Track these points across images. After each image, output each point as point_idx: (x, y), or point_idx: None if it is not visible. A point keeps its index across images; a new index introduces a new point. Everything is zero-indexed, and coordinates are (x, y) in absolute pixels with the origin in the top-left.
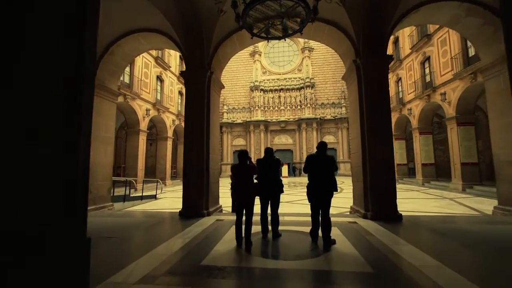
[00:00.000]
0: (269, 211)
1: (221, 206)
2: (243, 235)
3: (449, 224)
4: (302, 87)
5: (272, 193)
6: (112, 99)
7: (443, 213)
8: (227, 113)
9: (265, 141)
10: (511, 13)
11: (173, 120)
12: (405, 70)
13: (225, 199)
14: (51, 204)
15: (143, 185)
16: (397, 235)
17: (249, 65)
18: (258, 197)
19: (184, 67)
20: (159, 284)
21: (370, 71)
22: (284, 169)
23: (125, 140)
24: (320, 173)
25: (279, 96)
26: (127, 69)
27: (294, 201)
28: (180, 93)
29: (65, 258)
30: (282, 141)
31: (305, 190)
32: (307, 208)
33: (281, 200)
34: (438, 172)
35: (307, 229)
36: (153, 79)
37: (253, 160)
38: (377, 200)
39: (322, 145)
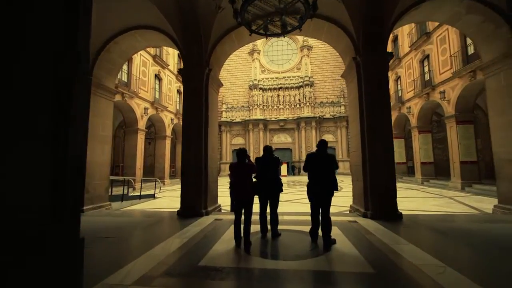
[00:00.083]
0: (268, 210)
1: (220, 206)
2: (242, 234)
3: (449, 223)
4: (301, 86)
5: (271, 192)
6: (109, 97)
7: (443, 211)
8: (226, 112)
9: (264, 140)
10: None
11: (171, 119)
12: (404, 68)
13: (224, 198)
14: (38, 204)
15: (141, 184)
16: (398, 234)
17: (248, 63)
18: (257, 196)
19: (183, 66)
20: (155, 286)
21: (370, 69)
22: (283, 168)
23: (124, 139)
24: (321, 172)
25: (278, 95)
26: (125, 67)
27: (294, 200)
28: (178, 91)
29: (54, 260)
30: (281, 140)
31: (305, 189)
32: (306, 207)
33: (280, 199)
34: (437, 170)
35: (307, 228)
36: (151, 78)
37: (252, 159)
38: (377, 199)
39: (322, 143)
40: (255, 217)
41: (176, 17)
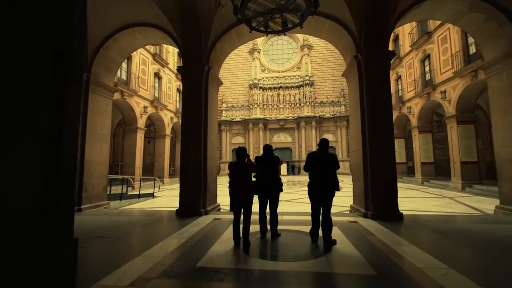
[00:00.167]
0: (268, 210)
1: (219, 205)
2: (241, 235)
3: (450, 224)
4: (301, 85)
5: (271, 191)
6: (108, 95)
7: (444, 212)
8: (225, 111)
9: (264, 139)
10: None
11: (171, 118)
12: (405, 68)
13: (224, 197)
14: (31, 204)
15: (140, 183)
16: (399, 235)
17: (248, 62)
18: (257, 196)
19: (182, 64)
20: None
21: (371, 67)
22: (283, 168)
23: (123, 138)
24: (322, 172)
25: (278, 94)
26: (125, 65)
27: (294, 199)
28: (178, 90)
29: (47, 260)
30: (281, 139)
31: (305, 188)
32: (306, 207)
33: (280, 198)
34: (438, 171)
35: (307, 228)
36: (151, 76)
37: (252, 158)
38: (378, 199)
39: (324, 143)
40: (255, 217)
41: (175, 14)
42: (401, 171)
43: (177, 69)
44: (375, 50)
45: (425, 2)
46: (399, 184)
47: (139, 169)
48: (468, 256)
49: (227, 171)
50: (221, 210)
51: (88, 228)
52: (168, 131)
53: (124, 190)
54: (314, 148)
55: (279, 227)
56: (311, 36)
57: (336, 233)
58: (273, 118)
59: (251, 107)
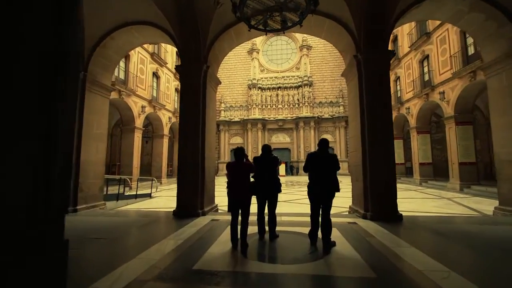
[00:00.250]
0: (266, 211)
1: (217, 206)
2: (239, 236)
3: (449, 225)
4: (300, 86)
5: (269, 192)
6: (105, 94)
7: (443, 213)
8: (224, 111)
9: (263, 139)
10: None
11: (169, 118)
12: (403, 69)
13: (222, 198)
14: (23, 205)
15: (137, 184)
16: (398, 237)
17: (246, 62)
18: (255, 197)
19: (180, 63)
20: None
21: (371, 66)
22: (282, 168)
23: (120, 138)
24: (322, 172)
25: (277, 94)
26: (122, 64)
27: (292, 200)
28: (176, 90)
29: (35, 263)
30: (279, 139)
31: (304, 189)
32: (305, 208)
33: (278, 199)
34: (436, 171)
35: (306, 229)
36: (149, 76)
37: (250, 158)
38: (377, 200)
39: (323, 143)
40: (253, 218)
41: (173, 12)
42: (400, 171)
43: (175, 68)
44: (374, 49)
45: (424, 2)
46: (397, 185)
47: (137, 169)
48: (468, 258)
49: (225, 172)
50: (219, 211)
51: (84, 229)
52: (166, 131)
53: (121, 191)
54: (313, 148)
55: (277, 228)
56: (310, 37)
57: (335, 234)
58: (271, 119)
59: (249, 107)
